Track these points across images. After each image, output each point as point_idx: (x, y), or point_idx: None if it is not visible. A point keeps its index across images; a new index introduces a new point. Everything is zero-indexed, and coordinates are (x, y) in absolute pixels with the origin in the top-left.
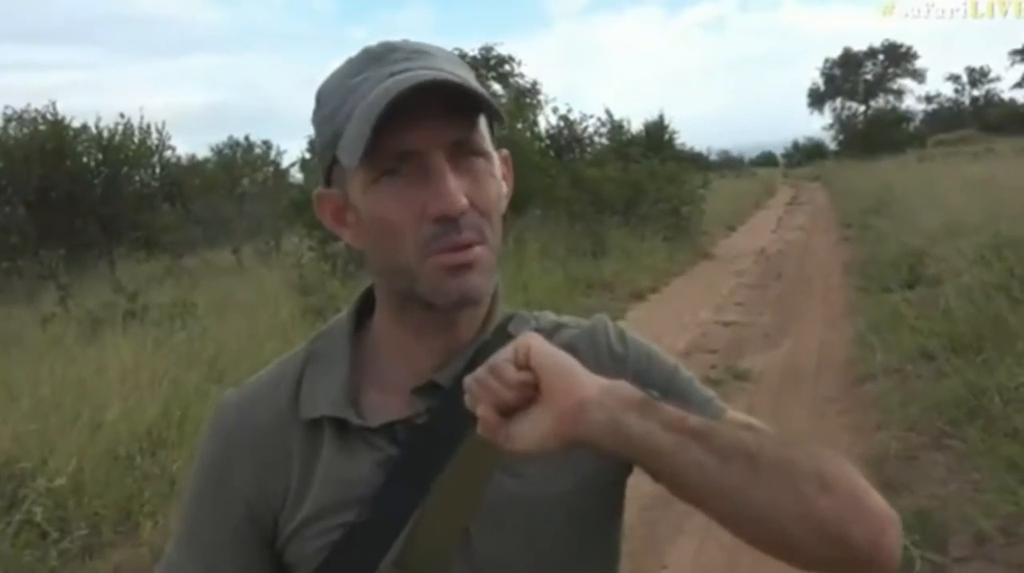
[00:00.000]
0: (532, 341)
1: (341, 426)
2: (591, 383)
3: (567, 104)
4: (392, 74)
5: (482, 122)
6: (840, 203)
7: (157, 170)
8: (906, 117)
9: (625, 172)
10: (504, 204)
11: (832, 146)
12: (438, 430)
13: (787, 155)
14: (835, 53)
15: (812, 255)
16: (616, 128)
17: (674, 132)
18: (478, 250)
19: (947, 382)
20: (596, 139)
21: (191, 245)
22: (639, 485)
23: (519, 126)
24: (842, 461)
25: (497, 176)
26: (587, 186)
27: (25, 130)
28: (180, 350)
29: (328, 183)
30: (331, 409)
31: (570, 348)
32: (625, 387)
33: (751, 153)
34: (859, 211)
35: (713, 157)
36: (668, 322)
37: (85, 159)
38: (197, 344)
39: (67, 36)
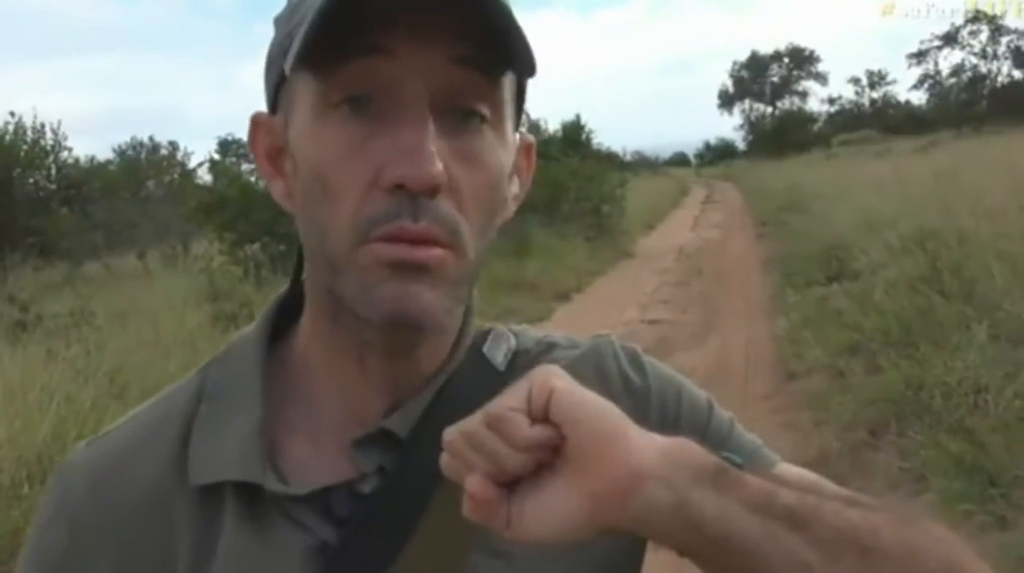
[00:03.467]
0: (555, 381)
1: (252, 494)
2: (646, 446)
3: None
4: None
5: (506, 81)
6: (753, 201)
7: (53, 172)
8: (811, 118)
9: (545, 171)
10: (509, 207)
11: (742, 146)
12: (392, 500)
13: (699, 155)
14: (743, 56)
15: (731, 252)
16: (533, 127)
17: (591, 132)
18: (438, 252)
19: (883, 377)
20: None
21: (92, 251)
22: None
23: None
24: (968, 547)
25: (505, 160)
26: None
27: None
28: (76, 364)
29: (273, 111)
30: (237, 470)
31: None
32: (693, 450)
33: (664, 153)
34: (773, 208)
35: (628, 157)
36: (594, 322)
37: None
38: (95, 356)
39: None
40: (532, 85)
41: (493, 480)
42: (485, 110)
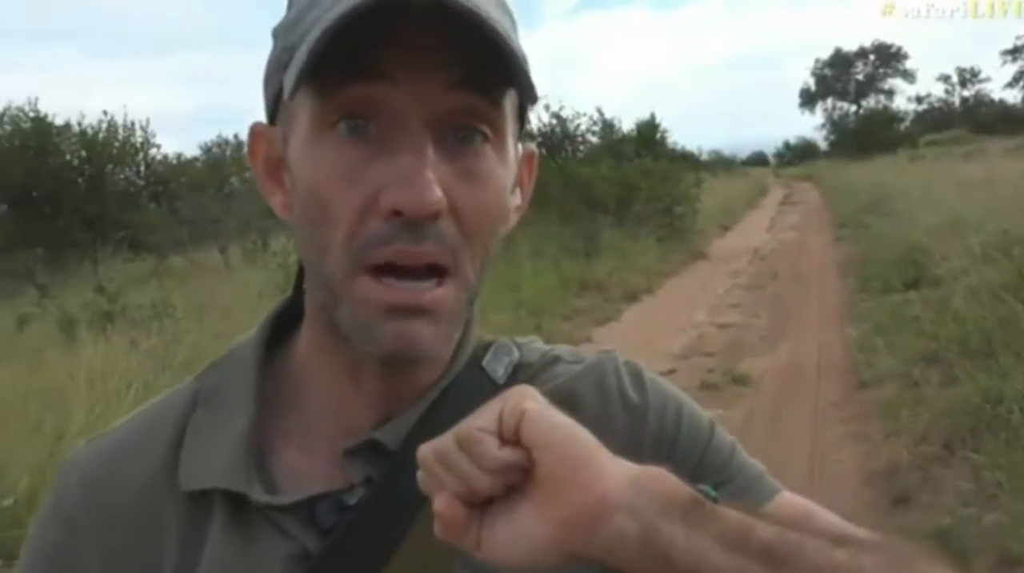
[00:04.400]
0: (527, 403)
1: (238, 502)
2: (616, 474)
3: (559, 102)
4: None
5: (506, 99)
6: (833, 202)
7: (142, 168)
8: (898, 117)
9: (618, 170)
10: (511, 220)
11: (823, 146)
12: (378, 512)
13: (778, 155)
14: (825, 53)
15: (807, 255)
16: (608, 126)
17: (665, 131)
18: (438, 293)
19: (958, 389)
20: (588, 138)
21: (178, 245)
22: None
23: None
24: None
25: (506, 178)
26: (579, 185)
27: (7, 128)
28: (155, 353)
29: (272, 120)
30: (223, 478)
31: (569, 394)
32: (665, 480)
33: (742, 152)
34: (853, 210)
35: (704, 156)
36: (663, 324)
37: (68, 157)
38: (173, 347)
39: (47, 33)
40: (609, 84)
41: (463, 500)
42: (485, 129)
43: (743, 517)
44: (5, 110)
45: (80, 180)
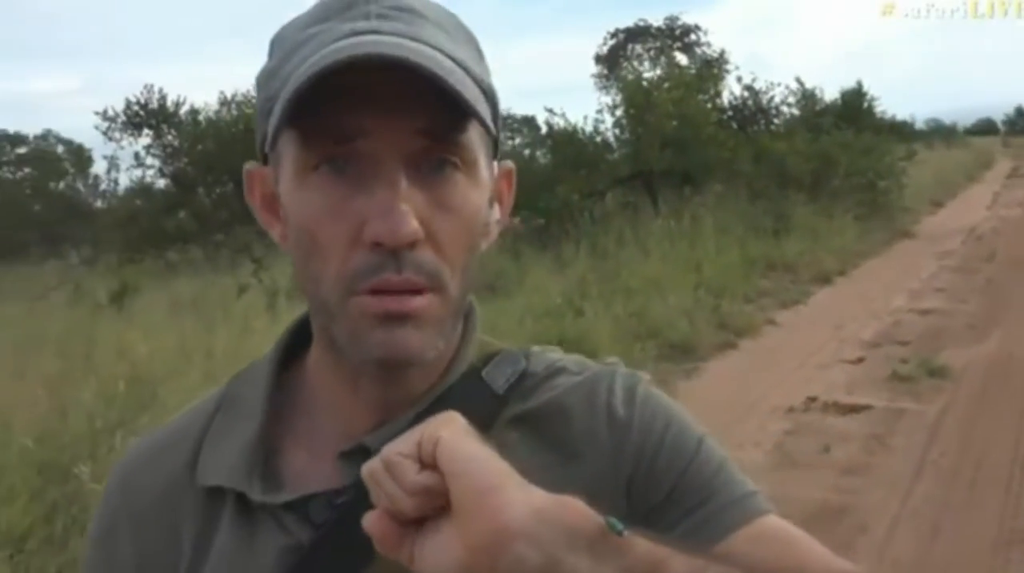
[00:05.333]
0: (443, 431)
1: (244, 499)
2: (520, 503)
3: (752, 73)
4: (354, 32)
5: (475, 124)
6: None
7: None
8: None
9: (814, 144)
10: (491, 234)
11: None
12: (362, 510)
13: (1009, 122)
14: None
15: None
16: (807, 97)
17: (873, 99)
18: (420, 301)
19: None
20: (785, 109)
21: None
22: (801, 493)
23: (700, 97)
24: None
25: (479, 201)
26: (771, 160)
27: (232, 113)
28: None
29: (265, 159)
30: (229, 477)
31: (557, 406)
32: (573, 511)
33: (966, 120)
34: None
35: (920, 125)
36: (855, 308)
37: None
38: None
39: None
40: (810, 55)
41: (395, 517)
42: (455, 159)
43: (654, 550)
44: (232, 97)
45: None
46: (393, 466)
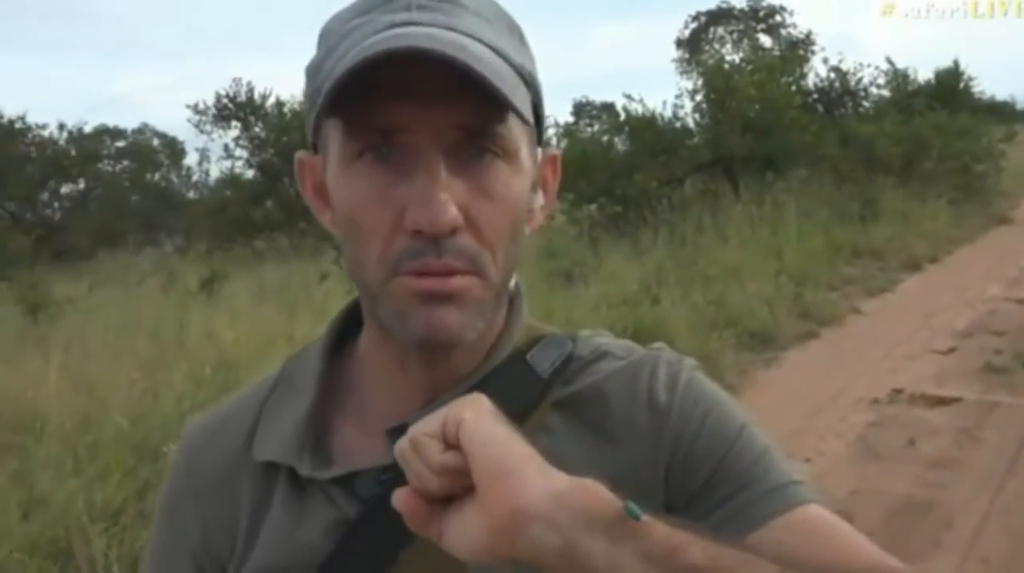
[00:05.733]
0: (467, 412)
1: (295, 473)
2: (539, 487)
3: (839, 54)
4: (393, 24)
5: (512, 118)
6: None
7: None
8: None
9: (905, 126)
10: (535, 219)
11: None
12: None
13: None
14: None
15: None
16: (899, 78)
17: (971, 79)
18: (460, 281)
19: None
20: (874, 91)
21: None
22: (885, 486)
23: (783, 80)
24: None
25: (520, 187)
26: (858, 143)
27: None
28: None
29: (315, 147)
30: (281, 452)
31: (599, 390)
32: (592, 493)
33: None
34: None
35: (1021, 105)
36: (947, 296)
37: None
38: None
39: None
40: (904, 34)
41: (423, 495)
42: (495, 147)
43: (672, 535)
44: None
45: None
46: (419, 446)
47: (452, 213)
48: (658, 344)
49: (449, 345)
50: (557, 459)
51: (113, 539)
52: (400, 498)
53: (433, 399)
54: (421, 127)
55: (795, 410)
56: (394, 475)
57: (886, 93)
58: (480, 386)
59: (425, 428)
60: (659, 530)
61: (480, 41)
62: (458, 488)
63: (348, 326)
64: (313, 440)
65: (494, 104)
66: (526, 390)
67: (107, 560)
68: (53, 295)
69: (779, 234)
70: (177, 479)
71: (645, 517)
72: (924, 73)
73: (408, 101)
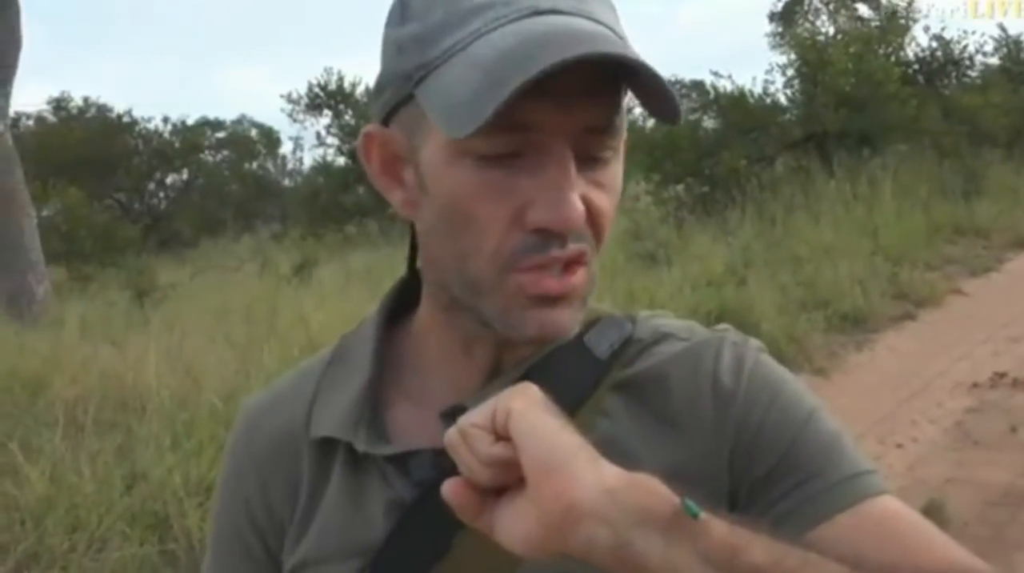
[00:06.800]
0: (516, 402)
1: (353, 449)
2: (591, 481)
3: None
4: (536, 11)
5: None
6: None
7: None
8: None
9: (1015, 97)
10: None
11: None
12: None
13: None
14: None
15: None
16: (1012, 46)
17: None
18: (578, 278)
19: None
20: (982, 59)
21: None
22: (982, 475)
23: (881, 51)
24: None
25: (621, 176)
26: (962, 116)
27: None
28: None
29: (386, 121)
30: (338, 429)
31: (660, 373)
32: (648, 489)
33: None
34: None
35: None
36: None
37: None
38: None
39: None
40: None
41: (474, 486)
42: (615, 142)
43: (733, 534)
44: None
45: None
46: (468, 437)
47: (581, 209)
48: (722, 325)
49: (556, 341)
50: (614, 447)
51: (207, 512)
52: (450, 489)
53: (491, 380)
54: (555, 127)
55: (887, 395)
56: (448, 458)
57: (995, 61)
58: (537, 369)
59: (475, 418)
60: (718, 529)
61: (612, 30)
62: (509, 479)
63: (401, 304)
64: (370, 416)
65: (621, 94)
66: (584, 372)
67: (201, 532)
68: (158, 281)
69: (875, 212)
70: (236, 454)
71: (704, 515)
72: None
73: (545, 99)
